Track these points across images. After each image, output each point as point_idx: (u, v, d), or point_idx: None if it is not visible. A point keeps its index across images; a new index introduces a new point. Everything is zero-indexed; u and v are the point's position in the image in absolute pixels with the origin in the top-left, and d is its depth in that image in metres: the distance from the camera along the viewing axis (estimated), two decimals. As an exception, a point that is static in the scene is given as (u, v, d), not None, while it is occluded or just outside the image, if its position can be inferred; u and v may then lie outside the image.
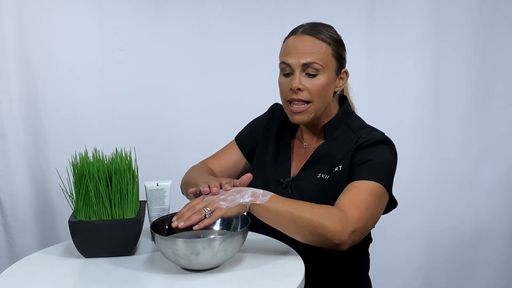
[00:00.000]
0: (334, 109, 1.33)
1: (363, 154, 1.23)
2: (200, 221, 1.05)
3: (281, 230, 1.12)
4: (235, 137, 1.47)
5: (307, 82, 1.24)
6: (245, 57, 2.14)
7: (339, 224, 1.08)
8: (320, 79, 1.25)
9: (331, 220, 1.08)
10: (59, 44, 2.06)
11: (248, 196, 1.09)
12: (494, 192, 2.16)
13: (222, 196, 1.09)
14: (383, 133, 1.29)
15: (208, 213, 1.05)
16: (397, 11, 2.10)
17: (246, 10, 2.14)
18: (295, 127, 1.39)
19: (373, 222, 1.18)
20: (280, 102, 1.36)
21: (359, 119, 1.35)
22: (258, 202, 1.08)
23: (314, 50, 1.24)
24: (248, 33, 2.13)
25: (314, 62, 1.23)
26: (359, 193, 1.15)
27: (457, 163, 2.16)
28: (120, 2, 2.10)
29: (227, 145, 1.47)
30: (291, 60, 1.24)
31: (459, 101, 2.13)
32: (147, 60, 2.14)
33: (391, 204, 1.25)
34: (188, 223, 1.04)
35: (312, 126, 1.33)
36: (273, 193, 1.11)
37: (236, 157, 1.43)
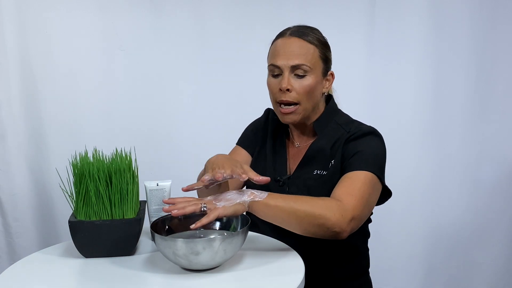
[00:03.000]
0: (322, 107, 1.36)
1: (352, 146, 1.25)
2: (194, 212, 1.05)
3: (281, 225, 1.13)
4: (237, 142, 1.48)
5: (295, 83, 1.26)
6: (245, 58, 2.14)
7: (338, 213, 1.10)
8: (308, 80, 1.27)
9: (329, 209, 1.10)
10: (59, 44, 2.07)
11: (247, 196, 1.10)
12: (494, 192, 2.16)
13: (220, 197, 1.10)
14: (371, 126, 1.31)
15: (203, 206, 1.05)
16: (397, 11, 2.10)
17: (246, 10, 2.14)
18: (288, 127, 1.41)
19: (369, 209, 1.20)
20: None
21: (345, 115, 1.38)
22: (257, 199, 1.09)
23: (303, 52, 1.26)
24: (248, 34, 2.14)
25: (303, 64, 1.26)
26: (353, 182, 1.17)
27: (457, 163, 2.16)
28: (120, 2, 2.10)
29: (231, 151, 1.47)
30: (280, 62, 1.26)
31: (459, 101, 2.13)
32: (147, 60, 2.15)
33: (386, 194, 1.26)
34: (182, 211, 1.04)
35: (302, 125, 1.35)
36: (269, 192, 1.12)
37: (245, 159, 1.43)
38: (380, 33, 2.12)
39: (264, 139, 1.43)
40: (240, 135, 1.48)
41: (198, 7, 2.13)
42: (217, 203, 1.07)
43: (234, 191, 1.12)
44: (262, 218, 1.12)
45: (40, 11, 2.03)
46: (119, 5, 2.10)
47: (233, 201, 1.08)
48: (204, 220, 1.03)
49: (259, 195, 1.10)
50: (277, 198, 1.11)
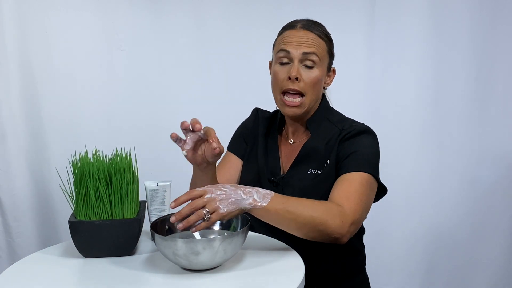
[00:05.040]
0: (317, 105, 1.36)
1: (347, 145, 1.26)
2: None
3: (282, 229, 1.13)
4: (227, 147, 1.48)
5: (304, 73, 1.27)
6: (245, 57, 2.14)
7: (338, 219, 1.11)
8: (316, 72, 1.28)
9: (331, 215, 1.10)
10: (59, 45, 2.07)
11: (248, 203, 1.08)
12: (494, 191, 2.16)
13: (223, 196, 1.07)
14: (363, 124, 1.32)
15: (207, 215, 1.04)
16: (397, 11, 2.10)
17: (246, 10, 2.14)
18: (280, 125, 1.41)
19: (367, 211, 1.21)
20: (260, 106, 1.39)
21: (338, 113, 1.39)
22: (258, 206, 1.08)
23: (314, 43, 1.28)
24: (248, 34, 2.14)
25: (314, 53, 1.27)
26: (351, 185, 1.18)
27: (457, 163, 2.16)
28: (120, 2, 2.10)
29: (223, 157, 1.45)
30: (291, 49, 1.27)
31: (458, 101, 2.13)
32: (147, 60, 2.15)
33: (381, 191, 1.27)
34: (186, 224, 1.04)
35: (298, 121, 1.35)
36: (273, 193, 1.11)
37: (235, 164, 1.44)
38: (380, 33, 2.12)
39: (255, 139, 1.42)
40: (230, 139, 1.48)
41: (198, 7, 2.13)
42: (220, 205, 1.05)
43: (241, 191, 1.09)
44: (264, 221, 1.11)
45: (40, 11, 2.03)
46: (119, 5, 2.10)
47: (237, 205, 1.07)
48: (203, 225, 1.04)
49: (260, 202, 1.08)
50: (278, 204, 1.09)
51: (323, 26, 1.33)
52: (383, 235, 2.16)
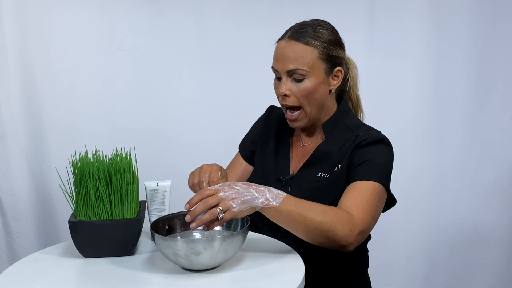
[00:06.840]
0: (333, 107, 1.34)
1: (361, 153, 1.24)
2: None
3: (290, 231, 1.12)
4: (239, 146, 1.48)
5: (294, 87, 1.25)
6: (245, 58, 2.14)
7: (347, 228, 1.10)
8: (307, 83, 1.25)
9: (340, 223, 1.09)
10: (59, 44, 2.06)
11: (260, 202, 1.07)
12: (494, 192, 2.16)
13: (235, 195, 1.06)
14: (380, 132, 1.31)
15: (221, 214, 1.04)
16: (397, 11, 2.10)
17: (247, 10, 2.14)
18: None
19: (375, 221, 1.20)
20: (274, 104, 1.40)
21: (355, 118, 1.37)
22: (269, 206, 1.08)
23: (298, 56, 1.24)
24: (249, 34, 2.14)
25: (298, 69, 1.23)
26: (362, 194, 1.17)
27: (457, 163, 2.16)
28: (120, 2, 2.10)
29: (234, 158, 1.48)
30: (278, 66, 1.27)
31: (459, 101, 2.13)
32: (147, 60, 2.15)
33: (390, 201, 1.27)
34: (199, 224, 1.04)
35: (310, 127, 1.35)
36: (285, 194, 1.11)
37: (242, 167, 1.45)
38: (380, 33, 2.12)
39: (266, 137, 1.42)
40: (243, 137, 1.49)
41: (198, 6, 2.13)
42: (233, 204, 1.05)
43: (253, 189, 1.08)
44: (273, 221, 1.11)
45: (40, 11, 2.03)
46: (119, 5, 2.10)
47: (250, 203, 1.06)
48: (216, 223, 1.05)
49: (272, 202, 1.08)
50: (290, 206, 1.09)
51: (322, 27, 1.27)
52: (383, 236, 2.16)
